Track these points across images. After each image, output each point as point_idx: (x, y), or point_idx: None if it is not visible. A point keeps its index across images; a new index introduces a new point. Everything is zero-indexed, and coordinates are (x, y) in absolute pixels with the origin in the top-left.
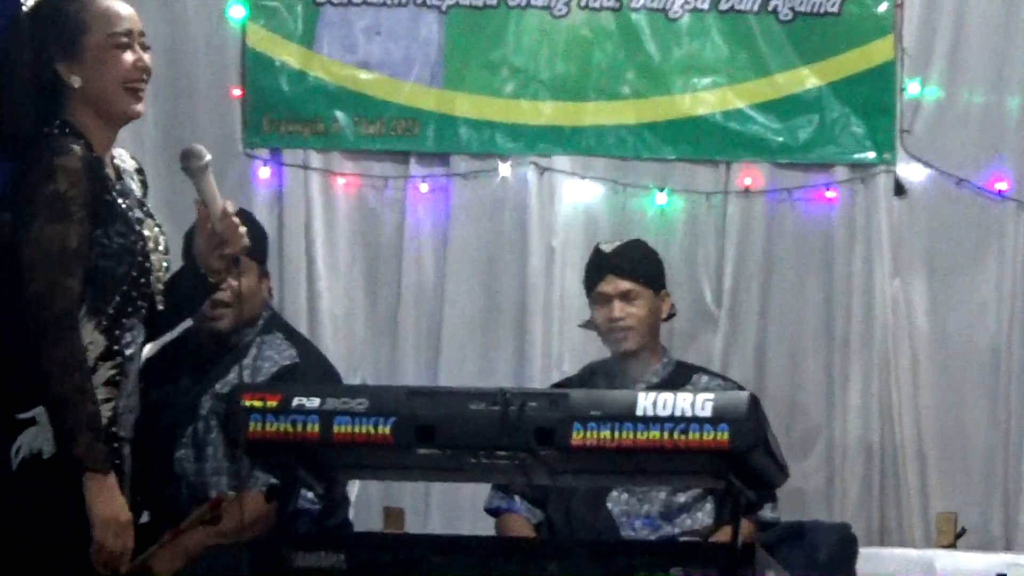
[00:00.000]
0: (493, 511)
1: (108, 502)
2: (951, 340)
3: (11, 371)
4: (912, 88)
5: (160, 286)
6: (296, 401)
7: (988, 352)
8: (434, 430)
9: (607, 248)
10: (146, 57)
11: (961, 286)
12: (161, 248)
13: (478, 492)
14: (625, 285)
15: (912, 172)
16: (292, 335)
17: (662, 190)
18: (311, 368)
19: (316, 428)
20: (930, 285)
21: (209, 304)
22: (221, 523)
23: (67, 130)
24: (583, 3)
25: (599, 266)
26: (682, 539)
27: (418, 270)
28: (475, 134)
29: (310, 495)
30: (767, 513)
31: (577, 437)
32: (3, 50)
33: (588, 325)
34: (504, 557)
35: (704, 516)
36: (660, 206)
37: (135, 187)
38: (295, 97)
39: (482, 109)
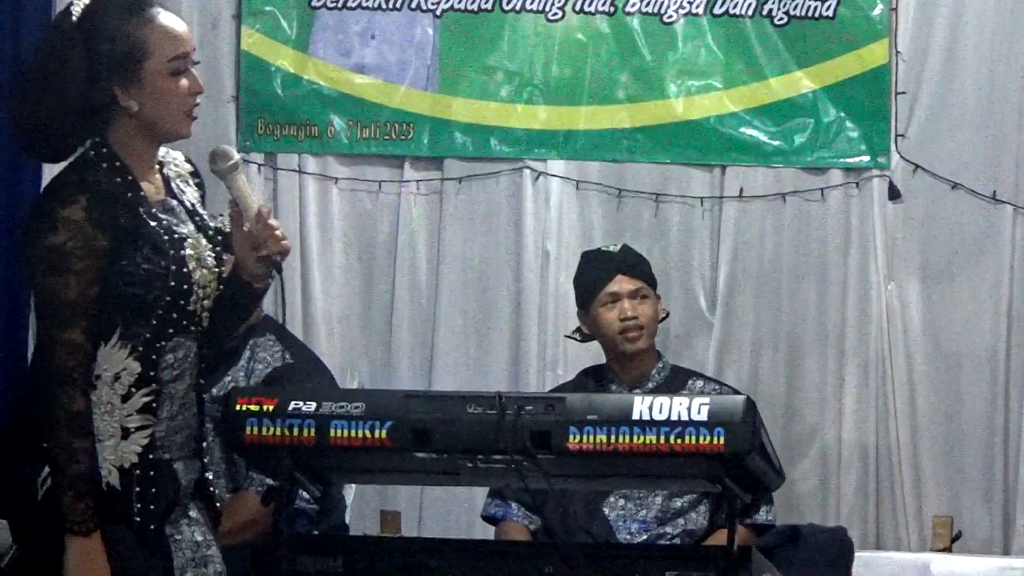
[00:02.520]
0: (490, 518)
1: (81, 565)
2: (946, 344)
3: (46, 401)
4: (906, 92)
5: (207, 302)
6: (292, 405)
7: (983, 355)
8: (430, 434)
9: (613, 248)
10: (197, 76)
11: (956, 290)
12: (210, 263)
13: (474, 496)
14: (636, 284)
15: (907, 176)
16: (284, 336)
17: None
18: (304, 368)
19: (312, 432)
20: (925, 289)
21: None
22: (220, 525)
23: (104, 150)
24: (578, 7)
25: (606, 267)
26: (678, 543)
27: (412, 274)
28: (469, 138)
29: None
30: (762, 516)
31: (573, 441)
32: (52, 64)
33: (576, 335)
34: (500, 560)
35: (700, 520)
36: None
37: (189, 194)
38: (290, 101)
39: (476, 113)
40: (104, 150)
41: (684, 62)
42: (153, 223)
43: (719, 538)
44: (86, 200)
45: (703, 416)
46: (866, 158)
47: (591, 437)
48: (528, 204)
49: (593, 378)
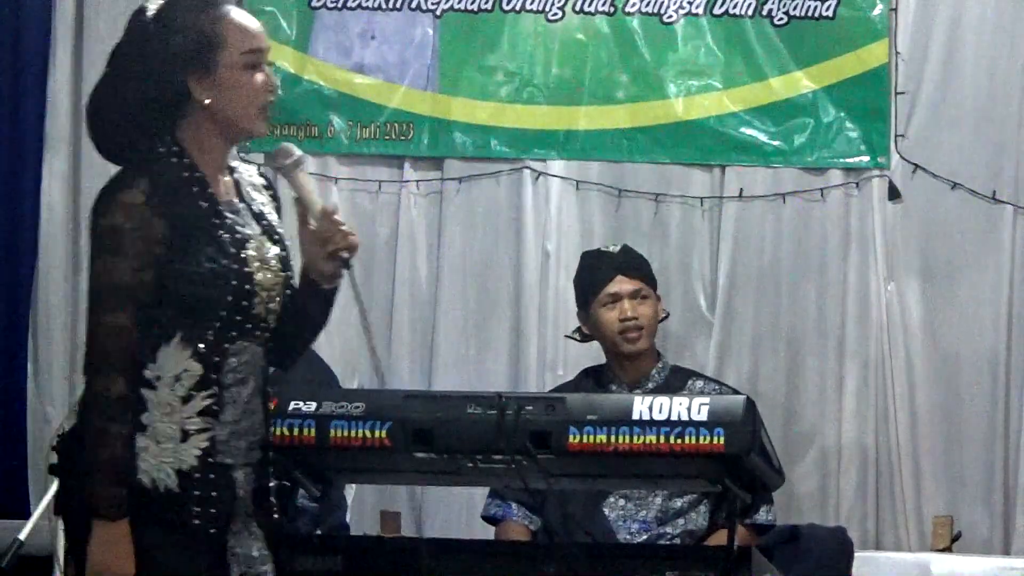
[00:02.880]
0: (490, 519)
1: (107, 551)
2: (946, 344)
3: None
4: (906, 92)
5: (273, 305)
6: (292, 405)
7: (983, 355)
8: (431, 434)
9: (613, 249)
10: (272, 74)
11: (956, 290)
12: (274, 265)
13: (474, 496)
14: (636, 284)
15: (906, 176)
16: None
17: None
18: (307, 370)
19: (312, 432)
20: (925, 289)
21: None
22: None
23: (174, 148)
24: (577, 7)
25: (606, 267)
26: (678, 543)
27: (412, 274)
28: (469, 138)
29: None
30: (762, 516)
31: (573, 441)
32: (128, 60)
33: (576, 335)
34: (500, 561)
35: (700, 520)
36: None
37: (259, 200)
38: (290, 101)
39: (476, 113)
40: (175, 148)
41: (684, 62)
42: (217, 221)
43: (719, 538)
44: (147, 185)
45: (703, 416)
46: (866, 158)
47: (591, 437)
48: (528, 204)
49: (593, 378)
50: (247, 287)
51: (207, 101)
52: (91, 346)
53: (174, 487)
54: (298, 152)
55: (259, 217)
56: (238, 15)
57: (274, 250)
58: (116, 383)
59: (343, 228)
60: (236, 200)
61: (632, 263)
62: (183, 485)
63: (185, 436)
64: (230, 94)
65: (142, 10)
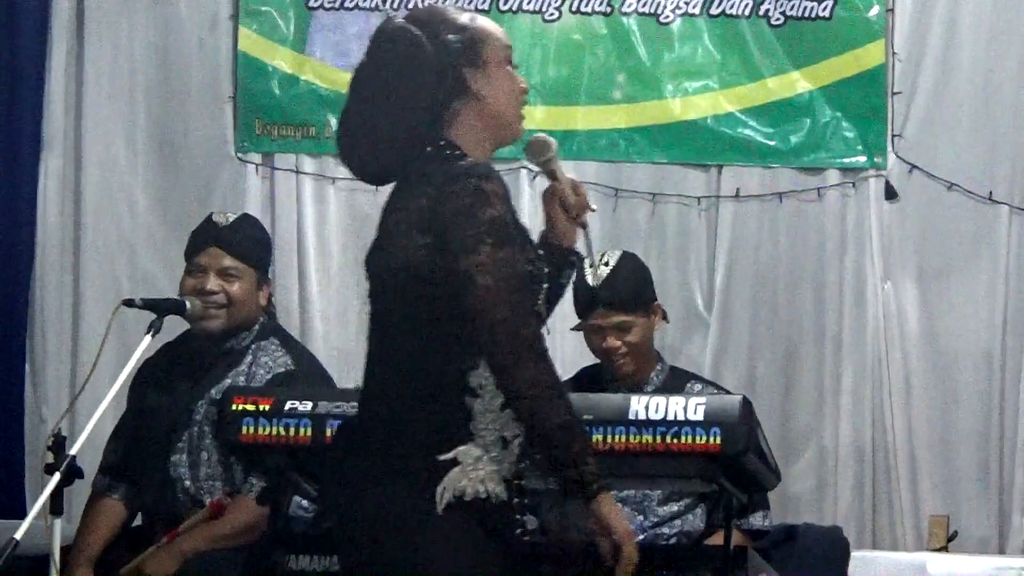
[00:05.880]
0: None
1: (622, 516)
2: (942, 343)
3: (430, 412)
4: (903, 92)
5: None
6: (289, 405)
7: (980, 355)
8: None
9: (594, 281)
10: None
11: (952, 290)
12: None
13: None
14: (617, 318)
15: (903, 176)
16: (288, 342)
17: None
18: (306, 376)
19: (308, 432)
20: (921, 289)
21: (202, 304)
22: (217, 528)
23: (456, 151)
24: (574, 7)
25: (589, 299)
26: (674, 543)
27: None
28: None
29: (304, 503)
30: (759, 521)
31: None
32: (396, 61)
33: (579, 328)
34: None
35: (697, 521)
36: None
37: None
38: (287, 101)
39: None
40: (457, 151)
41: (681, 62)
42: (518, 221)
43: (716, 539)
44: (498, 176)
45: (699, 416)
46: (862, 158)
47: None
48: (525, 204)
49: (590, 378)
50: (544, 286)
51: (483, 93)
52: (519, 334)
53: (503, 495)
54: (554, 142)
55: None
56: (484, 19)
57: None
58: (548, 363)
59: (584, 194)
60: None
61: (614, 297)
62: (508, 493)
63: (505, 443)
64: (498, 89)
65: (389, 20)
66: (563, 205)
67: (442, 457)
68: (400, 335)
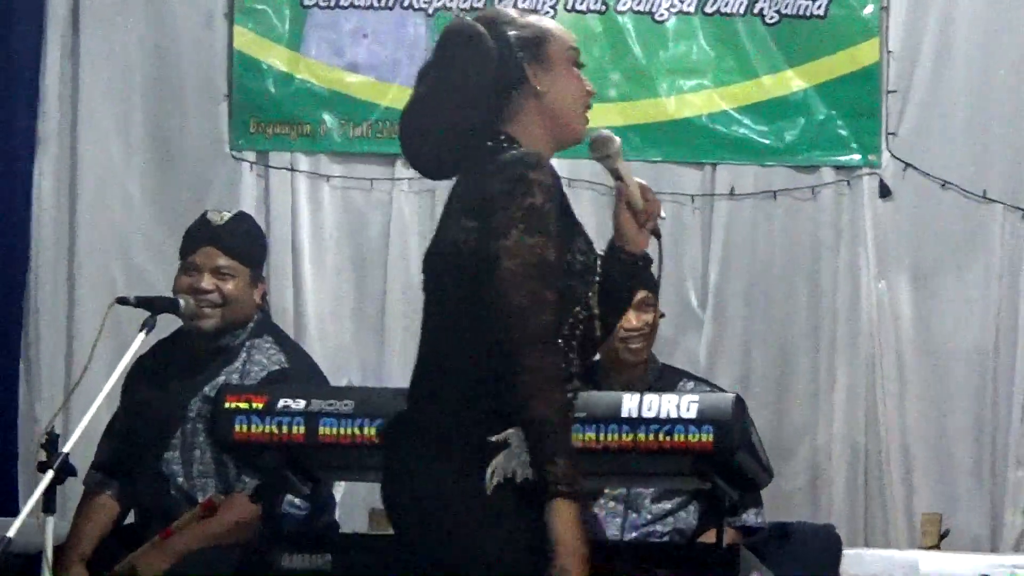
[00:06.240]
0: None
1: (575, 529)
2: (936, 341)
3: (483, 392)
4: (897, 90)
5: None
6: (282, 403)
7: (973, 353)
8: None
9: None
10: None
11: (946, 288)
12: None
13: None
14: (643, 293)
15: (897, 174)
16: (282, 340)
17: None
18: (300, 374)
19: (302, 430)
20: (915, 287)
21: (196, 302)
22: (210, 526)
23: (516, 144)
24: (569, 5)
25: None
26: (668, 541)
27: (404, 272)
28: None
29: (297, 501)
30: (752, 519)
31: None
32: (460, 55)
33: None
34: None
35: (690, 518)
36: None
37: None
38: (282, 99)
39: None
40: (516, 145)
41: (675, 60)
42: (573, 212)
43: (709, 537)
44: (549, 167)
45: (692, 414)
46: (857, 156)
47: (581, 435)
48: None
49: (585, 376)
50: (590, 278)
51: (543, 89)
52: (530, 323)
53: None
54: (617, 139)
55: None
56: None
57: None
58: (560, 359)
59: (655, 199)
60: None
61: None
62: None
63: None
64: (560, 87)
65: (456, 19)
66: (631, 208)
67: (493, 439)
68: (453, 320)
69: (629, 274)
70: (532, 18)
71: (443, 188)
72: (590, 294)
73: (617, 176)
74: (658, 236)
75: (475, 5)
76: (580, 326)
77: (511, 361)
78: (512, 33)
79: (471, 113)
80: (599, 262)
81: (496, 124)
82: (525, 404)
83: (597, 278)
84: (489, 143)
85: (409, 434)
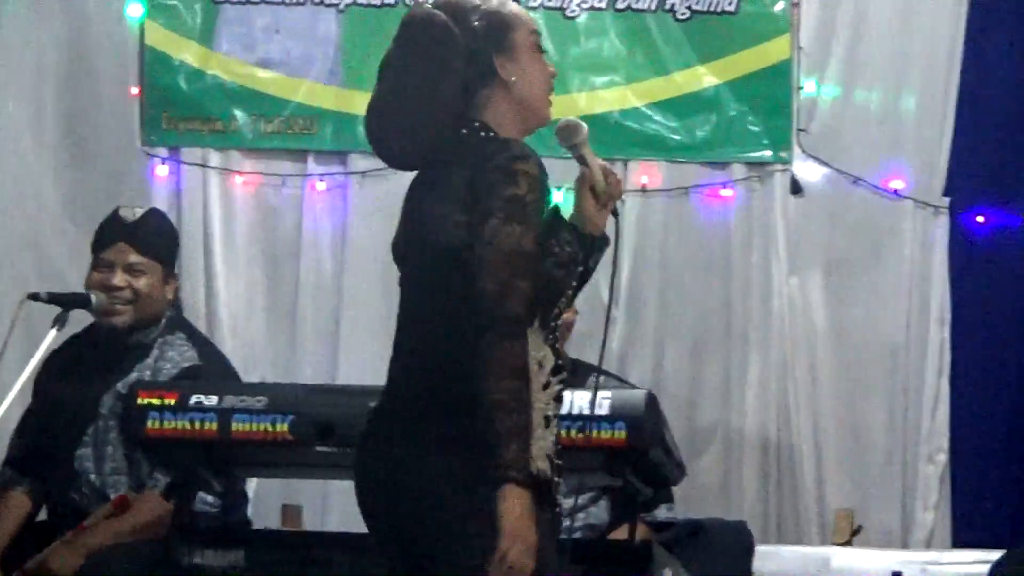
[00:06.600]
0: None
1: (522, 517)
2: (848, 338)
3: (460, 378)
4: (808, 87)
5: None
6: (194, 399)
7: (885, 350)
8: (333, 428)
9: None
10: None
11: (858, 284)
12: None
13: None
14: None
15: (808, 171)
16: (194, 336)
17: (559, 188)
18: (212, 370)
19: (214, 426)
20: (827, 283)
21: (108, 299)
22: (122, 523)
23: (491, 132)
24: None
25: None
26: (579, 536)
27: (316, 269)
28: None
29: (209, 498)
30: (663, 513)
31: None
32: (426, 44)
33: None
34: None
35: (602, 514)
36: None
37: None
38: (194, 95)
39: None
40: (491, 133)
41: (587, 57)
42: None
43: (621, 533)
44: (535, 158)
45: (605, 410)
46: (768, 153)
47: None
48: None
49: None
50: (581, 269)
51: (512, 79)
52: (496, 308)
53: (547, 471)
54: (584, 126)
55: None
56: (511, 4)
57: None
58: (523, 348)
59: (618, 181)
60: None
61: None
62: (552, 471)
63: (548, 422)
64: (527, 74)
65: (417, 7)
66: (593, 191)
67: (490, 394)
68: (445, 314)
69: (587, 252)
70: (494, 4)
71: (356, 184)
72: (574, 284)
73: (583, 162)
74: (615, 216)
75: (385, 1)
76: (560, 316)
77: (475, 345)
78: (477, 23)
79: (441, 104)
80: (583, 253)
81: (468, 112)
82: (481, 388)
83: (580, 268)
84: (464, 131)
85: (388, 426)
